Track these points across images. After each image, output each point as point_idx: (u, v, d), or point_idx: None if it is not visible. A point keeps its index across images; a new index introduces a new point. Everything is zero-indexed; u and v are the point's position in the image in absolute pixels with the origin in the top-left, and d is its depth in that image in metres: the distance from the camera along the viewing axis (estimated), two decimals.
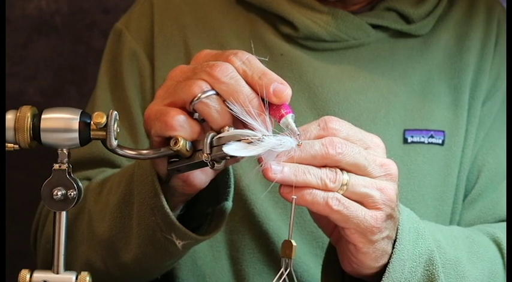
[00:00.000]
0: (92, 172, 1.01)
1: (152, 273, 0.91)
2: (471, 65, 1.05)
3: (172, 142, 0.72)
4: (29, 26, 1.73)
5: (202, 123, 0.73)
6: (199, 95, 0.70)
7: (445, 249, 0.81)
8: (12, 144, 0.70)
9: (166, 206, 0.78)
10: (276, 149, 0.69)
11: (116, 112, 0.71)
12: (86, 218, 0.91)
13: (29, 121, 0.69)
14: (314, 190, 0.70)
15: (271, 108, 0.71)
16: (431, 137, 1.03)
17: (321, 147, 0.70)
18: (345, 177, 0.71)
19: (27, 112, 0.69)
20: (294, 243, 0.71)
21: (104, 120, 0.70)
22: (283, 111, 0.71)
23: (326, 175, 0.70)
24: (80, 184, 0.71)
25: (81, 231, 0.91)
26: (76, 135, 0.70)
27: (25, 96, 1.74)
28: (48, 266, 0.72)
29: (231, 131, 0.70)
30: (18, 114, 0.69)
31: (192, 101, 0.71)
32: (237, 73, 0.71)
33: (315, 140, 0.71)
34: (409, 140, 1.02)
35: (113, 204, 0.86)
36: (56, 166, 0.71)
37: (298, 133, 0.70)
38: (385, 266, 0.76)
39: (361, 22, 1.03)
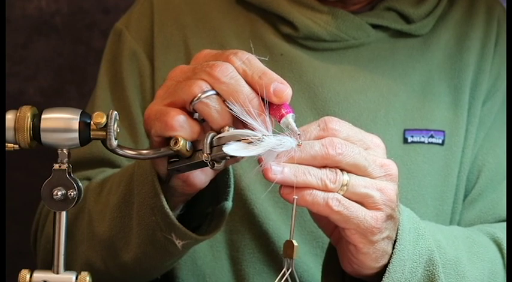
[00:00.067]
0: (92, 172, 1.01)
1: (152, 273, 0.91)
2: (471, 65, 1.05)
3: (172, 142, 0.72)
4: (29, 26, 1.73)
5: (202, 123, 0.73)
6: (199, 95, 0.70)
7: (445, 250, 0.81)
8: (12, 144, 0.70)
9: (166, 206, 0.78)
10: (276, 149, 0.69)
11: (116, 112, 0.71)
12: (86, 218, 0.91)
13: (29, 121, 0.69)
14: (314, 191, 0.70)
15: (272, 108, 0.71)
16: (432, 136, 1.03)
17: (321, 148, 0.70)
18: (345, 177, 0.71)
19: (27, 112, 0.69)
20: (295, 244, 0.71)
21: (104, 120, 0.70)
22: (283, 111, 0.70)
23: (326, 176, 0.70)
24: (80, 184, 0.71)
25: (81, 231, 0.91)
26: (76, 135, 0.70)
27: (25, 96, 1.74)
28: (48, 266, 0.72)
29: (231, 131, 0.70)
30: (18, 114, 0.69)
31: (192, 101, 0.71)
32: (237, 73, 0.71)
33: (315, 141, 0.70)
34: (409, 139, 1.02)
35: (113, 204, 0.86)
36: (56, 166, 0.71)
37: (299, 133, 0.70)
38: (386, 266, 0.76)
39: (361, 22, 1.03)
